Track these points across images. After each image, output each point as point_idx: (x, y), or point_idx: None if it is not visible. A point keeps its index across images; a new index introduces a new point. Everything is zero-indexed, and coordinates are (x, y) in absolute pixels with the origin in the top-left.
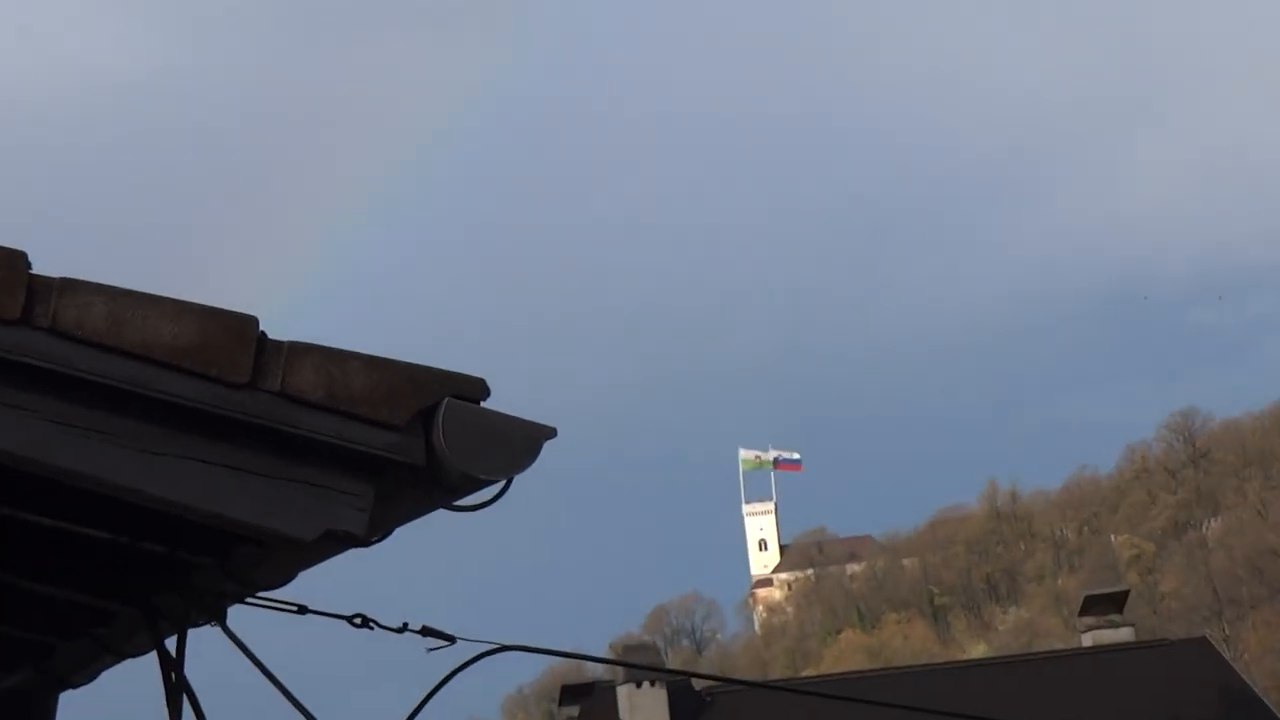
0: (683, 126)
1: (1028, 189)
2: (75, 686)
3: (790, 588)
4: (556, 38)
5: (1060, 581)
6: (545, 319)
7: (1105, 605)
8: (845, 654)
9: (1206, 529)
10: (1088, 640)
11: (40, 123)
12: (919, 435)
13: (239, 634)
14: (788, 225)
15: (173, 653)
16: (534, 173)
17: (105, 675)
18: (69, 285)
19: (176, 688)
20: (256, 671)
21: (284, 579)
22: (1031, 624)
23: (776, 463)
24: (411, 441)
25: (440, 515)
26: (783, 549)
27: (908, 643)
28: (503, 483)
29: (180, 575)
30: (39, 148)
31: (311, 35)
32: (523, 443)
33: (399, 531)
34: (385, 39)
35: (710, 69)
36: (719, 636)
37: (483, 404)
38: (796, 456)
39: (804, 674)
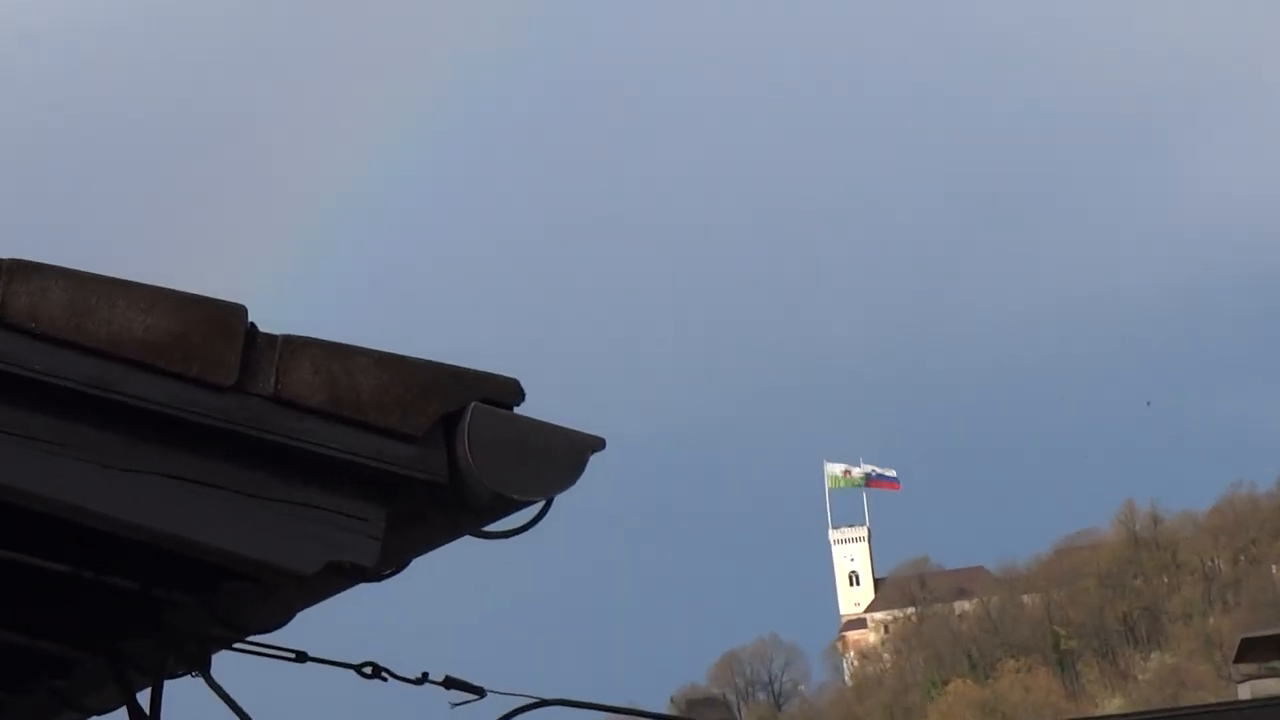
0: (764, 111)
1: (1172, 160)
2: None
3: (887, 630)
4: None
5: (1211, 621)
6: (589, 309)
7: (1266, 649)
8: (954, 709)
9: None
10: (1245, 691)
11: None
12: (1040, 448)
13: (225, 686)
14: (882, 212)
15: (146, 708)
16: (585, 162)
17: None
18: (20, 268)
19: None
20: None
21: (280, 620)
22: (1177, 672)
23: (869, 479)
24: (431, 454)
25: (466, 543)
26: (878, 583)
27: (1028, 695)
28: (541, 504)
29: (154, 616)
30: None
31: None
32: (565, 456)
33: (416, 563)
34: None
35: (799, 50)
36: (802, 688)
37: (516, 409)
38: (893, 473)
39: None
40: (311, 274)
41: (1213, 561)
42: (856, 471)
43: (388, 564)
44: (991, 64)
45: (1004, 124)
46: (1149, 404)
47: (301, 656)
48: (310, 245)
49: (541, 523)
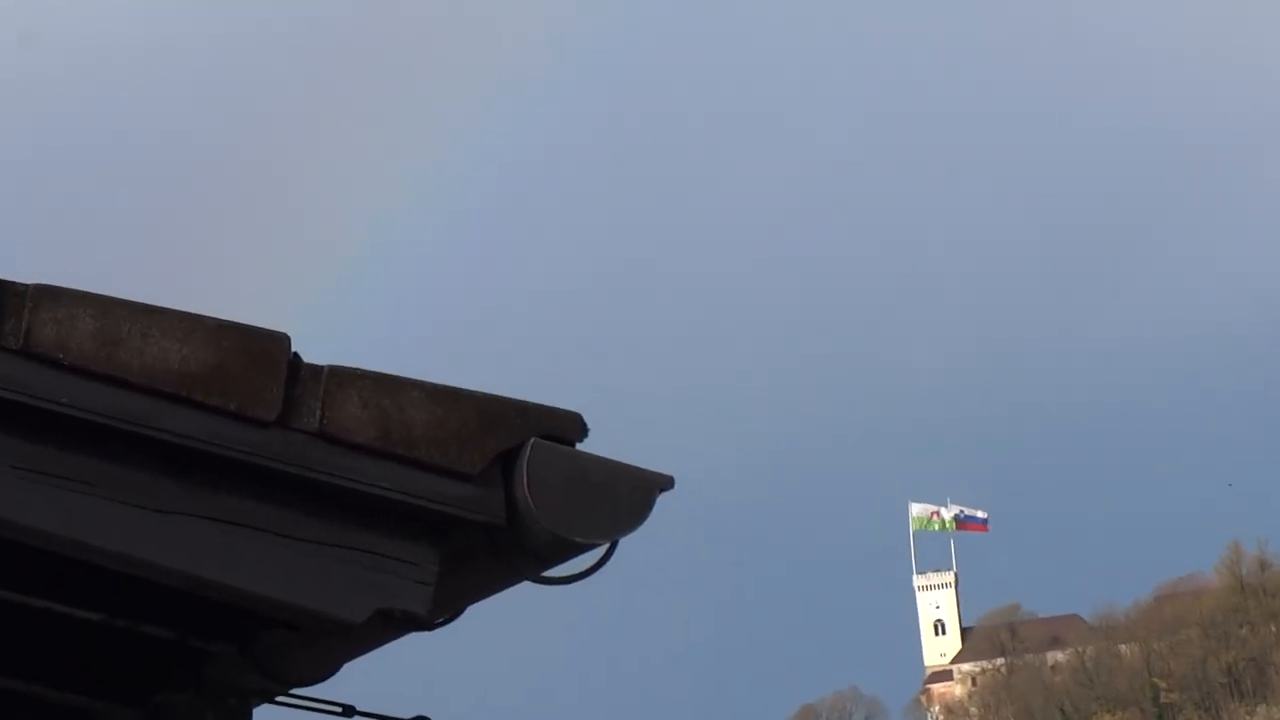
0: (843, 140)
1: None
2: None
3: (975, 682)
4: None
5: None
6: (664, 347)
7: None
8: None
9: None
10: None
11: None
12: (1138, 488)
13: None
14: (972, 243)
15: None
16: (656, 197)
17: None
18: (46, 294)
19: None
20: None
21: (326, 671)
22: None
23: (958, 521)
24: (488, 494)
25: (526, 589)
26: (965, 632)
27: None
28: (605, 547)
29: (192, 667)
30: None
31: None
32: (631, 496)
33: (472, 610)
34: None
35: (873, 79)
36: None
37: (579, 446)
38: (983, 515)
39: None
40: (359, 311)
41: None
42: (944, 513)
43: (441, 611)
44: (1077, 90)
45: (1097, 154)
46: (1230, 485)
47: (349, 710)
48: (361, 281)
49: (606, 567)
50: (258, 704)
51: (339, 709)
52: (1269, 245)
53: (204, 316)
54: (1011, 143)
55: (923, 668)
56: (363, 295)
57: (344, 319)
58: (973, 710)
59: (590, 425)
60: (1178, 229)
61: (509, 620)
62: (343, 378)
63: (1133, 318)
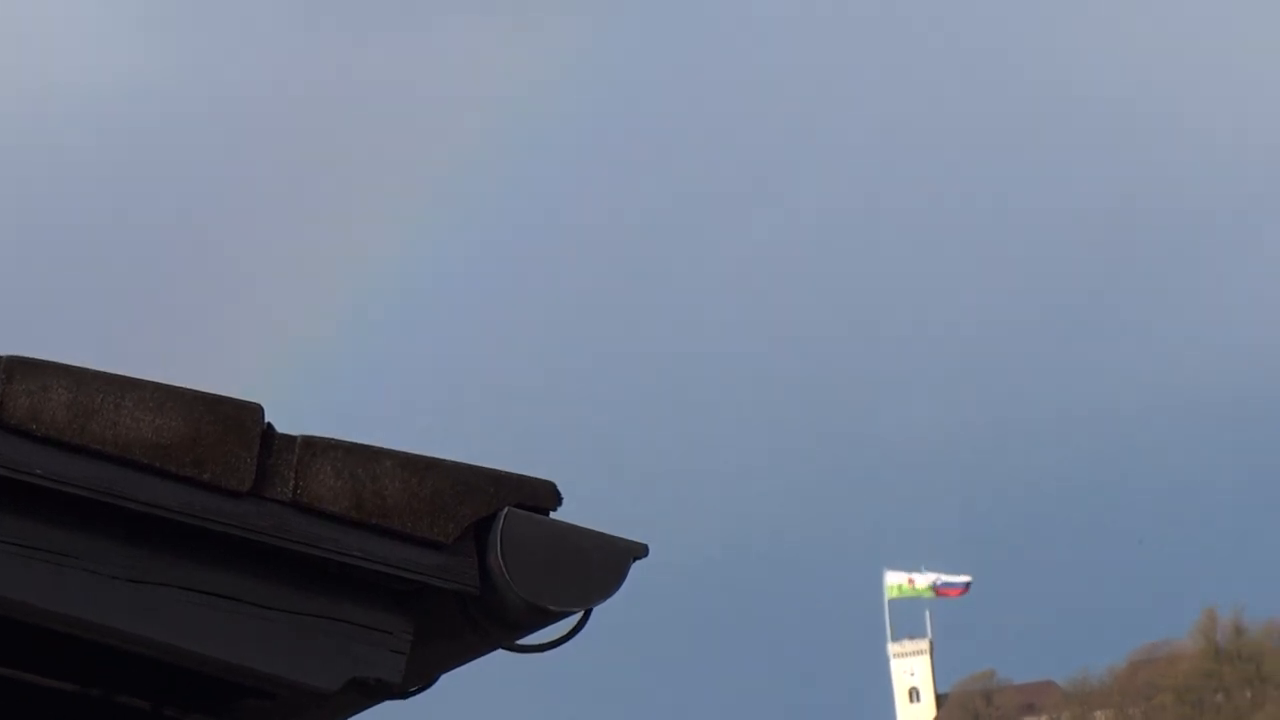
0: (813, 207)
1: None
2: None
3: None
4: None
5: None
6: (617, 390)
7: None
8: None
9: None
10: None
11: None
12: (1113, 552)
13: None
14: (947, 306)
15: None
16: (623, 250)
17: None
18: (20, 366)
19: None
20: None
21: None
22: None
23: (936, 588)
24: (462, 563)
25: (499, 657)
26: (940, 699)
27: None
28: (579, 615)
29: None
30: None
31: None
32: (605, 564)
33: (445, 679)
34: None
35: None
36: None
37: (553, 514)
38: (965, 579)
39: None
40: (332, 376)
41: None
42: (919, 580)
43: (414, 680)
44: (1060, 159)
45: (1077, 219)
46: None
47: None
48: (340, 318)
49: (579, 634)
50: None
51: None
52: (1243, 321)
53: (178, 387)
54: (976, 212)
55: None
56: (339, 369)
57: (318, 392)
58: None
59: (564, 495)
60: (1144, 304)
61: (481, 689)
62: (316, 448)
63: (1109, 389)
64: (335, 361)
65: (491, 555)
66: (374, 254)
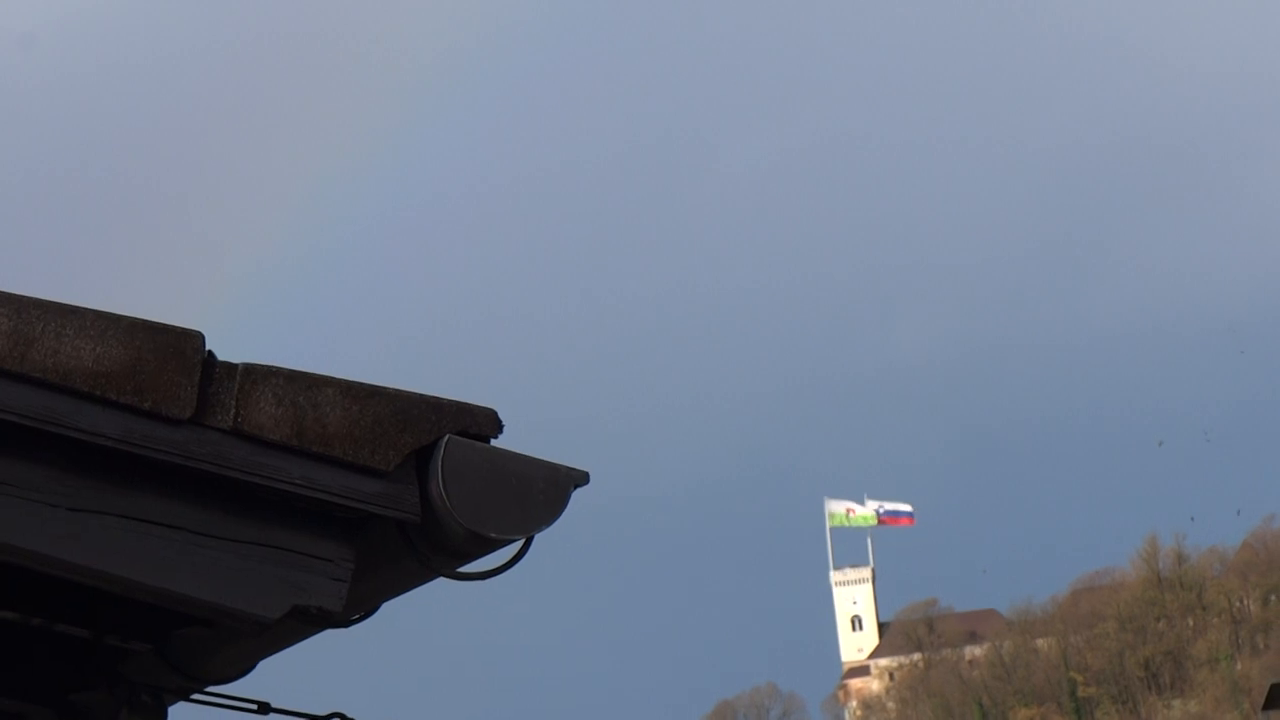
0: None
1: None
2: None
3: (893, 677)
4: None
5: (1239, 666)
6: (569, 319)
7: None
8: None
9: None
10: None
11: None
12: (1055, 478)
13: None
14: (902, 238)
15: None
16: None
17: None
18: None
19: None
20: None
21: (241, 669)
22: None
23: (880, 516)
24: (403, 491)
25: (441, 585)
26: (882, 628)
27: None
28: (520, 543)
29: (107, 666)
30: None
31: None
32: (546, 491)
33: (387, 606)
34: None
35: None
36: None
37: (494, 442)
38: (908, 508)
39: None
40: (266, 285)
41: (1241, 602)
42: (861, 510)
43: (356, 608)
44: (1035, 99)
45: (1045, 160)
46: (1160, 444)
47: (264, 707)
48: (283, 244)
49: (521, 563)
50: (173, 702)
51: (254, 706)
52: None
53: (119, 315)
54: (951, 155)
55: (840, 663)
56: (291, 293)
57: (260, 323)
58: (890, 705)
59: (506, 423)
60: (1108, 239)
61: (424, 616)
62: (257, 375)
63: (1061, 319)
64: (279, 291)
65: (433, 483)
66: (321, 184)
